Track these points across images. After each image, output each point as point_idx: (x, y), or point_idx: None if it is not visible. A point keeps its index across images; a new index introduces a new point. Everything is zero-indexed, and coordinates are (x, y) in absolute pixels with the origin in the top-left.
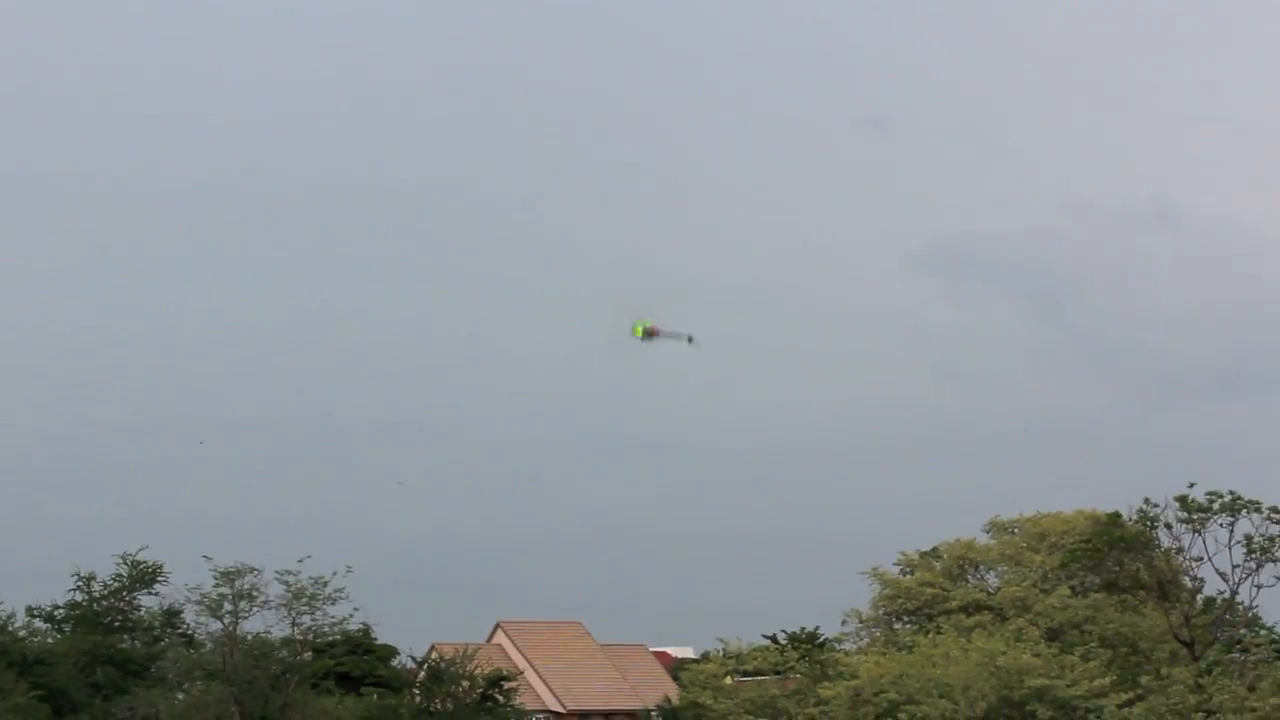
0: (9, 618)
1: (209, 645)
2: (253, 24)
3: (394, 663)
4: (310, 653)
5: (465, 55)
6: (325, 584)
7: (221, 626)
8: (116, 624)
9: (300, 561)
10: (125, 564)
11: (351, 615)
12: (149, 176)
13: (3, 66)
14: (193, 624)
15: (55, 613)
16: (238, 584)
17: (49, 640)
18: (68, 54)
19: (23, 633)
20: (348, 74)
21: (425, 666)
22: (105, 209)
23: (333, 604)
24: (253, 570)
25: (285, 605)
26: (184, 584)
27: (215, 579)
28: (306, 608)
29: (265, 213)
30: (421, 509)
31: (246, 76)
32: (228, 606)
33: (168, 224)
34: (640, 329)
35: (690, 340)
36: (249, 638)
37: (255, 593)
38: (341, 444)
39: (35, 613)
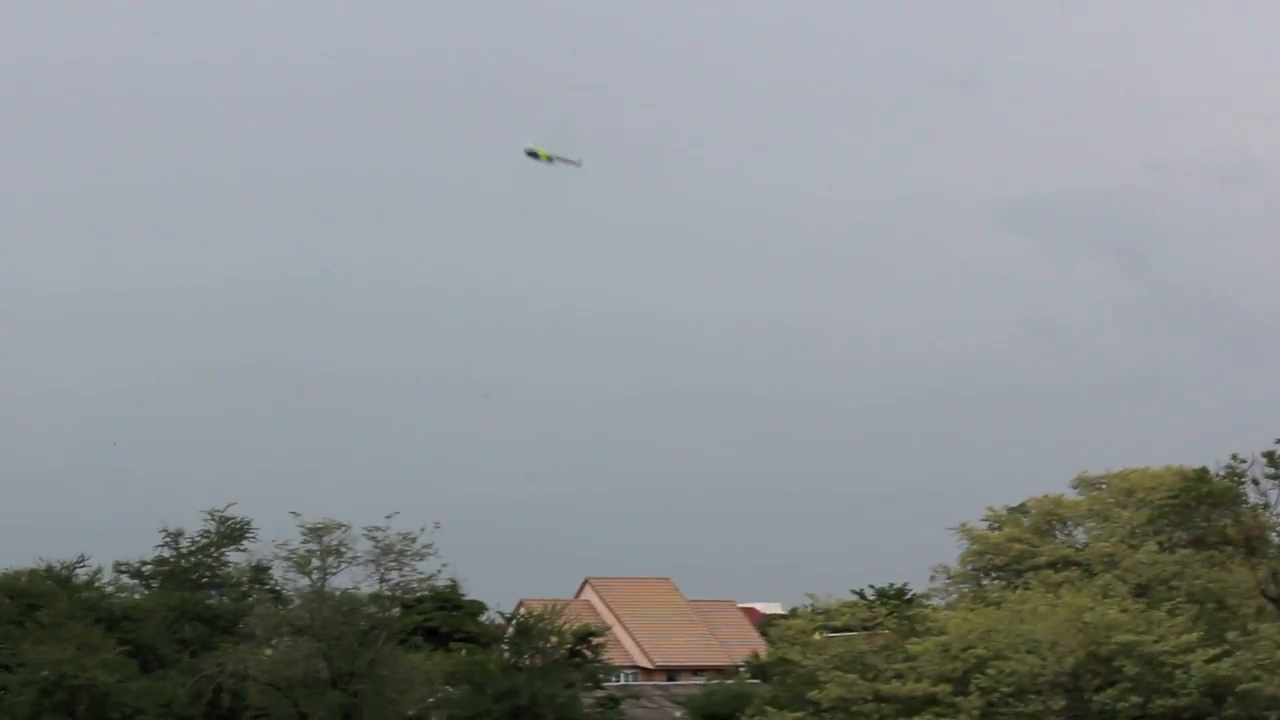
0: (96, 574)
1: (297, 601)
2: None
3: (482, 618)
4: (399, 608)
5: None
6: (414, 540)
7: (310, 582)
8: (204, 580)
9: (389, 518)
10: (213, 520)
11: (440, 571)
12: (252, 133)
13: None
14: (281, 580)
15: (143, 569)
16: (326, 540)
17: (136, 596)
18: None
19: (110, 589)
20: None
21: (513, 622)
22: (181, 164)
23: (421, 560)
24: (341, 526)
25: (373, 561)
26: (272, 540)
27: (303, 535)
28: (395, 564)
29: (364, 170)
30: (510, 468)
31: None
32: (316, 562)
33: (242, 177)
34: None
35: (578, 163)
36: (337, 593)
37: (343, 549)
38: (433, 404)
39: (123, 569)
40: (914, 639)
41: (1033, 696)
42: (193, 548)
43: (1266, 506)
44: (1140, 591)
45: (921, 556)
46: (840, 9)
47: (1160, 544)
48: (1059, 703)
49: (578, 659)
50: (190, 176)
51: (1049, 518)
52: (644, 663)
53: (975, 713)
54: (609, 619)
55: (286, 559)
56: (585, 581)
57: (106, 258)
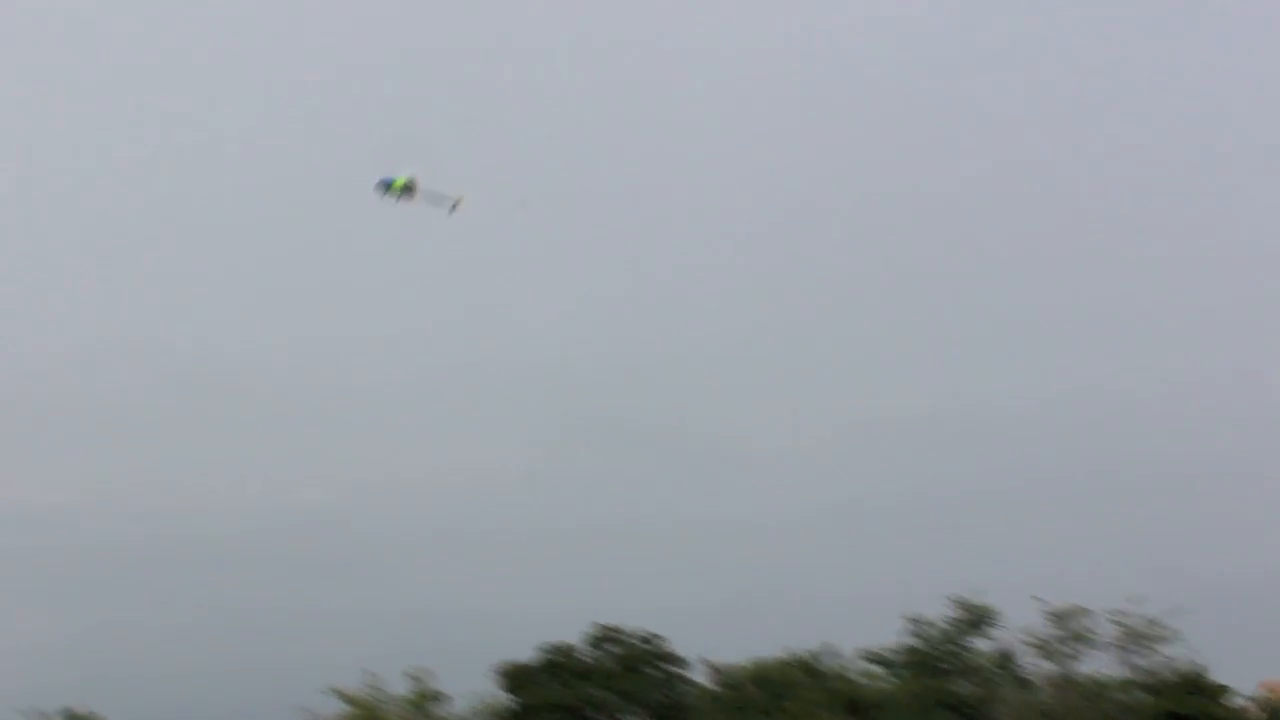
0: (843, 662)
1: (1043, 687)
2: None
3: (1227, 700)
4: (1142, 692)
5: None
6: (1159, 624)
7: (1055, 668)
8: (949, 667)
9: (1132, 601)
10: (959, 607)
11: (1183, 654)
12: None
13: None
14: (1026, 666)
15: (888, 656)
16: (1070, 625)
17: (882, 684)
18: None
19: (855, 676)
20: None
21: (1262, 704)
22: None
23: (1165, 643)
24: (1084, 611)
25: (1118, 645)
26: (1016, 626)
27: (1048, 620)
28: (1139, 648)
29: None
30: (1252, 546)
31: None
32: (1061, 648)
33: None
34: (401, 183)
35: (453, 207)
36: (1082, 679)
37: (1088, 634)
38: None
39: (868, 656)
40: None
41: None
42: (940, 636)
43: None
44: None
45: None
46: None
47: None
48: None
49: None
50: None
51: None
52: None
53: None
54: None
55: (1031, 644)
56: None
57: None
